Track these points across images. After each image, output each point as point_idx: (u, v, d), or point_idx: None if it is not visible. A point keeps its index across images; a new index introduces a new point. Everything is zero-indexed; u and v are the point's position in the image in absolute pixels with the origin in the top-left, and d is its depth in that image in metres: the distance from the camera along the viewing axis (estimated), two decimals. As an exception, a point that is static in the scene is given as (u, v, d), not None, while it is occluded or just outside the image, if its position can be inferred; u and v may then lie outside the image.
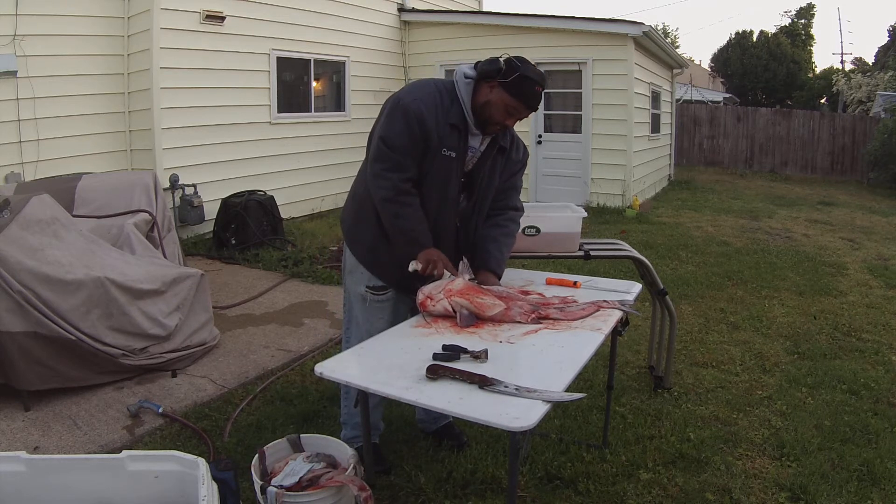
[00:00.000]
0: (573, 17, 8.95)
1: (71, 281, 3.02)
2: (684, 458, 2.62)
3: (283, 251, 6.02)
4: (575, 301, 2.27)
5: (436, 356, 1.81)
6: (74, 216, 3.66)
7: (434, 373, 1.69)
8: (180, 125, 6.34)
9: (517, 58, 2.16)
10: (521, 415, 1.49)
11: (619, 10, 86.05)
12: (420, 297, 2.13)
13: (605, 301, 2.27)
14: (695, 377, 3.46)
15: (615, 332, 2.40)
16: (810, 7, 33.41)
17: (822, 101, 28.63)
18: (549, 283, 2.56)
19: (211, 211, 6.38)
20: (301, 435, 2.12)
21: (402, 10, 9.61)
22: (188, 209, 6.27)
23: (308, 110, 8.12)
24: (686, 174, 14.21)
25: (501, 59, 2.15)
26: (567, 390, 1.64)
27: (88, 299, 3.07)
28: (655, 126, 10.94)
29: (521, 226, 2.63)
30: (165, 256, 3.88)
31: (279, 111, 7.59)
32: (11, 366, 2.83)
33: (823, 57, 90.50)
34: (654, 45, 9.68)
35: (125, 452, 1.83)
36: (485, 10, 11.76)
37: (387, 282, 2.35)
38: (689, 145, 16.64)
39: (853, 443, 2.78)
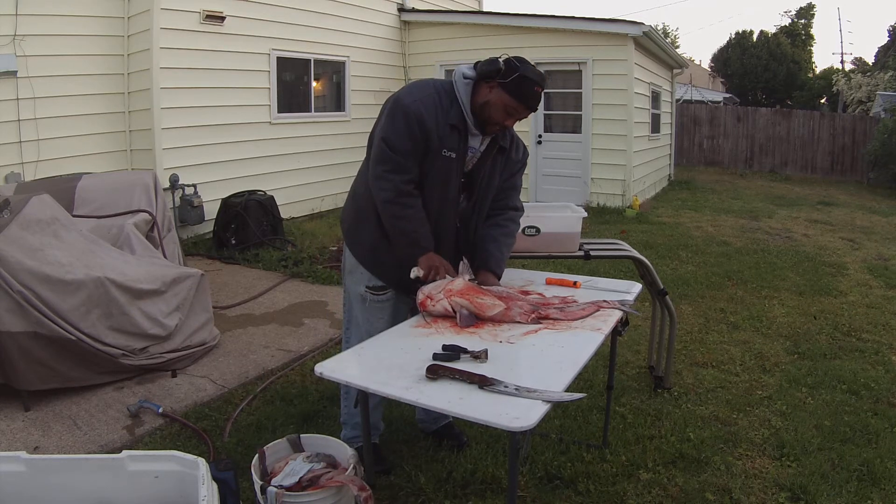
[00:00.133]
0: (573, 17, 8.95)
1: (71, 281, 3.02)
2: (684, 458, 2.62)
3: (283, 251, 6.02)
4: (575, 301, 2.27)
5: (436, 356, 1.81)
6: (74, 216, 3.66)
7: (434, 373, 1.69)
8: (180, 125, 6.34)
9: (516, 58, 2.16)
10: (521, 415, 1.49)
11: (619, 10, 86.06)
12: (420, 296, 2.13)
13: (605, 301, 2.27)
14: (695, 377, 3.46)
15: (615, 332, 2.40)
16: (810, 7, 33.42)
17: (822, 101, 28.63)
18: (549, 283, 2.56)
19: (211, 211, 6.38)
20: (301, 435, 2.12)
21: (402, 10, 9.61)
22: (188, 209, 6.27)
23: (308, 110, 8.12)
24: (686, 174, 14.21)
25: (501, 60, 2.15)
26: (567, 390, 1.64)
27: (88, 299, 3.07)
28: (655, 126, 10.94)
29: (521, 226, 2.63)
30: (165, 256, 3.88)
31: (279, 111, 7.59)
32: (11, 366, 2.83)
33: (823, 57, 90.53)
34: (654, 45, 9.69)
35: (125, 452, 1.84)
36: (485, 10, 11.76)
37: (386, 282, 2.35)
38: (689, 145, 16.64)
39: (853, 443, 2.78)
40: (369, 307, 2.38)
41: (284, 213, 6.81)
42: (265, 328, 4.17)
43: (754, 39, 30.18)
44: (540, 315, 2.12)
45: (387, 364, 1.80)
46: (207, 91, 6.63)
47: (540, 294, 2.34)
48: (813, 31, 33.94)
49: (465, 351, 1.82)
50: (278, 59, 7.52)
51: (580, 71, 8.87)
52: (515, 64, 2.13)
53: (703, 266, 5.92)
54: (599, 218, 8.08)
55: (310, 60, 8.00)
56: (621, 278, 2.94)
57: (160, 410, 2.93)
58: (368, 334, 2.26)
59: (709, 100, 22.29)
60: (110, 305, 3.15)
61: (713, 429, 2.89)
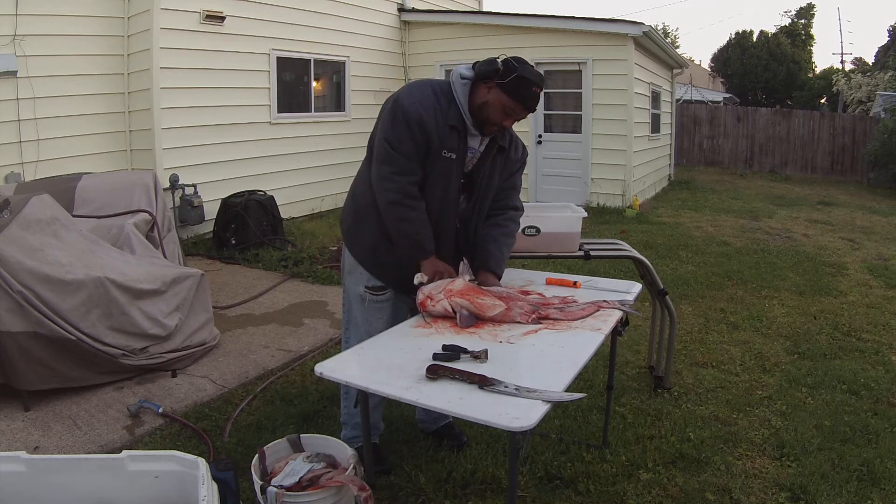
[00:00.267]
0: (573, 17, 8.95)
1: (71, 281, 3.02)
2: (684, 458, 2.62)
3: (283, 251, 6.02)
4: (575, 301, 2.27)
5: (436, 356, 1.81)
6: (74, 216, 3.66)
7: (434, 373, 1.69)
8: (180, 125, 6.34)
9: (515, 58, 2.16)
10: (521, 415, 1.49)
11: (619, 10, 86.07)
12: (420, 297, 2.12)
13: (605, 301, 2.27)
14: (695, 377, 3.46)
15: (615, 332, 2.40)
16: (810, 7, 33.42)
17: (822, 101, 28.63)
18: (549, 283, 2.56)
19: (211, 211, 6.38)
20: (301, 435, 2.12)
21: (402, 10, 9.61)
22: (188, 209, 6.27)
23: (308, 110, 8.12)
24: (686, 174, 14.21)
25: (499, 60, 2.15)
26: (567, 390, 1.64)
27: (88, 299, 3.07)
28: (655, 126, 10.94)
29: (521, 226, 2.63)
30: (165, 256, 3.88)
31: (279, 111, 7.59)
32: (11, 366, 2.83)
33: (823, 57, 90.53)
34: (654, 45, 9.69)
35: (125, 452, 1.84)
36: (485, 10, 11.76)
37: (386, 282, 2.35)
38: (689, 145, 16.64)
39: (853, 443, 2.78)
40: (368, 307, 2.38)
41: (284, 213, 6.81)
42: (265, 328, 4.17)
43: (754, 39, 30.18)
44: (540, 315, 2.12)
45: (387, 364, 1.80)
46: (207, 91, 6.63)
47: (540, 294, 2.34)
48: (813, 31, 33.98)
49: (465, 351, 1.82)
50: (278, 59, 7.52)
51: (580, 71, 8.87)
52: (513, 64, 2.12)
53: (703, 266, 5.92)
54: (599, 218, 8.08)
55: (310, 60, 8.00)
56: (621, 278, 2.94)
57: (160, 410, 2.93)
58: (368, 334, 2.26)
59: (709, 100, 22.29)
60: (110, 305, 3.15)
61: (713, 429, 2.89)
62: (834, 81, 25.43)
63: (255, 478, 1.90)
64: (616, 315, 2.19)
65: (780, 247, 6.88)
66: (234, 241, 6.08)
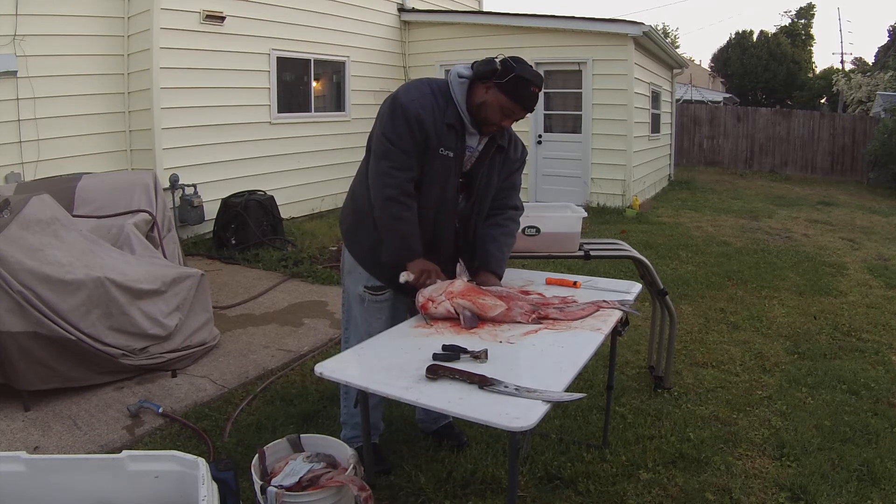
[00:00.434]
0: (573, 17, 8.95)
1: (71, 281, 3.02)
2: (684, 458, 2.62)
3: (283, 251, 6.02)
4: (575, 301, 2.27)
5: (435, 356, 1.81)
6: (74, 216, 3.66)
7: (434, 373, 1.69)
8: (180, 125, 6.34)
9: (513, 58, 2.15)
10: (521, 415, 1.49)
11: (619, 10, 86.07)
12: (420, 299, 2.11)
13: (604, 301, 2.27)
14: (695, 377, 3.46)
15: (615, 332, 2.40)
16: (810, 7, 33.42)
17: (822, 101, 28.63)
18: (549, 283, 2.56)
19: (211, 211, 6.38)
20: (301, 435, 2.12)
21: (402, 10, 9.61)
22: (188, 209, 6.27)
23: (308, 110, 8.12)
24: (686, 174, 14.21)
25: (497, 60, 2.14)
26: (567, 390, 1.64)
27: (88, 299, 3.07)
28: (655, 126, 10.94)
29: (521, 226, 2.63)
30: (165, 256, 3.88)
31: (279, 111, 7.59)
32: (11, 366, 2.83)
33: (823, 57, 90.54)
34: (654, 45, 9.68)
35: (125, 452, 1.84)
36: (485, 10, 11.76)
37: (385, 282, 2.35)
38: (689, 145, 16.64)
39: (853, 443, 2.78)
40: (368, 307, 2.38)
41: (284, 213, 6.81)
42: (265, 328, 4.17)
43: (754, 39, 30.17)
44: (540, 315, 2.12)
45: (387, 364, 1.80)
46: (207, 91, 6.63)
47: (540, 294, 2.34)
48: (813, 31, 33.96)
49: (465, 351, 1.82)
50: (278, 59, 7.51)
51: (580, 71, 8.87)
52: (512, 64, 2.12)
53: (703, 266, 5.92)
54: (599, 218, 8.08)
55: (310, 60, 8.00)
56: (621, 278, 2.94)
57: (160, 410, 2.93)
58: (367, 334, 2.26)
59: (709, 100, 22.29)
60: (110, 305, 3.15)
61: (713, 429, 2.89)
62: (834, 81, 25.42)
63: (255, 478, 1.90)
64: (616, 315, 2.19)
65: (780, 247, 6.88)
66: (234, 241, 6.08)
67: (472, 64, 2.19)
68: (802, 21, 33.46)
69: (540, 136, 9.29)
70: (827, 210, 9.92)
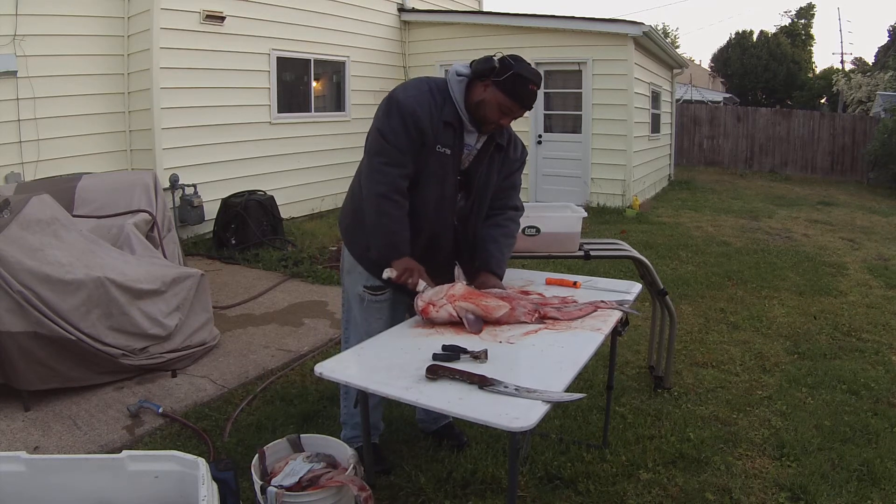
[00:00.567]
0: (573, 17, 8.95)
1: (71, 281, 3.02)
2: (684, 458, 2.62)
3: (283, 251, 6.02)
4: (574, 301, 2.27)
5: (435, 356, 1.81)
6: (74, 216, 3.66)
7: (434, 373, 1.69)
8: (180, 125, 6.34)
9: (511, 56, 2.15)
10: (520, 415, 1.49)
11: (619, 10, 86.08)
12: (420, 304, 2.07)
13: (602, 301, 2.27)
14: (695, 377, 3.46)
15: (615, 332, 2.39)
16: (810, 7, 33.42)
17: (822, 101, 28.63)
18: (549, 283, 2.56)
19: (211, 211, 6.38)
20: (301, 435, 2.12)
21: (402, 10, 9.61)
22: (188, 209, 6.27)
23: (308, 110, 8.12)
24: (686, 174, 14.21)
25: (495, 58, 2.14)
26: (567, 390, 1.64)
27: (88, 299, 3.07)
28: (655, 126, 10.94)
29: (521, 226, 2.62)
30: (165, 256, 3.88)
31: (279, 111, 7.59)
32: (11, 366, 2.83)
33: (823, 57, 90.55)
34: (654, 45, 9.68)
35: (125, 452, 1.84)
36: (485, 10, 11.76)
37: (385, 281, 2.34)
38: (689, 145, 16.64)
39: (853, 443, 2.78)
40: (367, 307, 2.38)
41: (284, 213, 6.81)
42: (265, 328, 4.17)
43: (754, 39, 30.17)
44: (542, 315, 2.12)
45: (387, 364, 1.80)
46: (207, 91, 6.63)
47: (540, 294, 2.34)
48: (813, 31, 33.96)
49: (464, 351, 1.82)
50: (278, 59, 7.52)
51: (580, 71, 8.87)
52: (510, 62, 2.11)
53: (703, 266, 5.92)
54: (599, 218, 8.08)
55: (310, 60, 8.00)
56: (621, 278, 2.94)
57: (160, 410, 2.93)
58: (367, 334, 2.26)
59: (709, 100, 22.29)
60: (110, 305, 3.15)
61: (713, 429, 2.89)
62: (834, 81, 25.42)
63: (255, 478, 1.90)
64: (616, 315, 2.19)
65: (780, 247, 6.88)
66: (234, 241, 6.08)
67: (471, 63, 2.19)
68: (802, 21, 33.47)
69: (540, 136, 9.29)
70: (827, 210, 9.92)
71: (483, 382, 1.64)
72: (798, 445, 2.72)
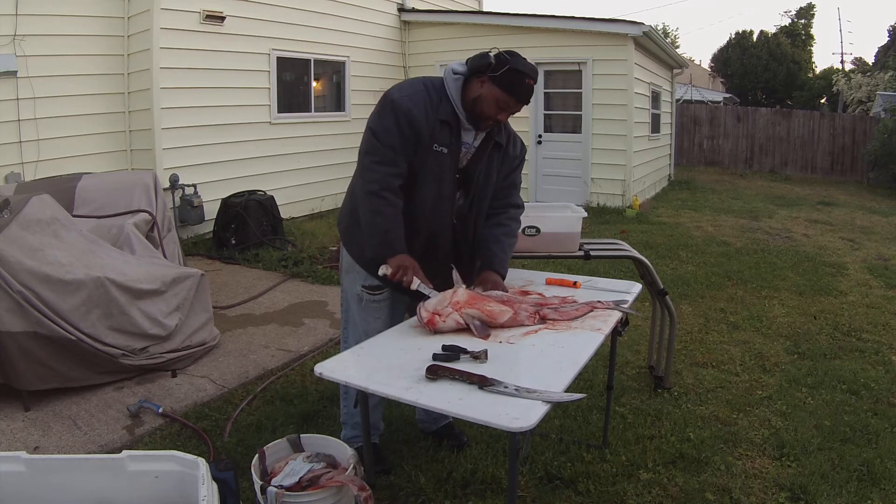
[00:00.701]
0: (573, 17, 8.95)
1: (71, 281, 3.02)
2: (684, 458, 2.62)
3: (283, 251, 6.02)
4: (574, 301, 2.27)
5: (435, 356, 1.81)
6: (74, 216, 3.66)
7: (434, 373, 1.69)
8: (180, 125, 6.34)
9: (507, 51, 2.14)
10: (520, 415, 1.49)
11: (619, 10, 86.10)
12: (425, 314, 2.03)
13: (599, 301, 2.26)
14: (695, 377, 3.46)
15: (615, 332, 2.39)
16: (810, 7, 33.42)
17: (822, 101, 28.62)
18: (549, 283, 2.56)
19: (211, 211, 6.38)
20: (301, 435, 2.12)
21: (402, 10, 9.61)
22: (188, 209, 6.27)
23: (308, 110, 8.12)
24: (686, 174, 14.21)
25: (491, 54, 2.14)
26: (567, 390, 1.64)
27: (88, 299, 3.07)
28: (655, 126, 10.94)
29: (522, 226, 2.62)
30: (165, 256, 3.88)
31: (279, 111, 7.59)
32: (11, 366, 2.83)
33: (823, 57, 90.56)
34: (654, 45, 9.69)
35: (125, 452, 1.84)
36: (485, 10, 11.76)
37: (383, 281, 2.34)
38: (689, 145, 16.64)
39: (853, 443, 2.78)
40: (366, 307, 2.38)
41: (284, 213, 6.81)
42: (265, 328, 4.17)
43: (754, 39, 30.17)
44: (542, 315, 2.12)
45: (386, 364, 1.80)
46: (207, 91, 6.63)
47: (540, 294, 2.34)
48: (813, 31, 33.98)
49: (464, 351, 1.82)
50: (278, 59, 7.52)
51: (580, 71, 8.86)
52: (506, 57, 2.11)
53: (703, 266, 5.92)
54: (599, 218, 8.08)
55: (310, 60, 8.00)
56: (621, 278, 2.94)
57: (160, 410, 2.93)
58: (366, 334, 2.26)
59: (709, 100, 22.28)
60: (110, 305, 3.15)
61: (713, 429, 2.89)
62: (834, 81, 25.42)
63: (255, 478, 1.90)
64: (616, 315, 2.19)
65: (780, 247, 6.88)
66: (234, 241, 6.08)
67: (467, 60, 2.19)
68: (802, 21, 33.47)
69: (540, 136, 9.29)
70: (827, 210, 9.92)
71: (483, 382, 1.64)
72: (798, 445, 2.72)
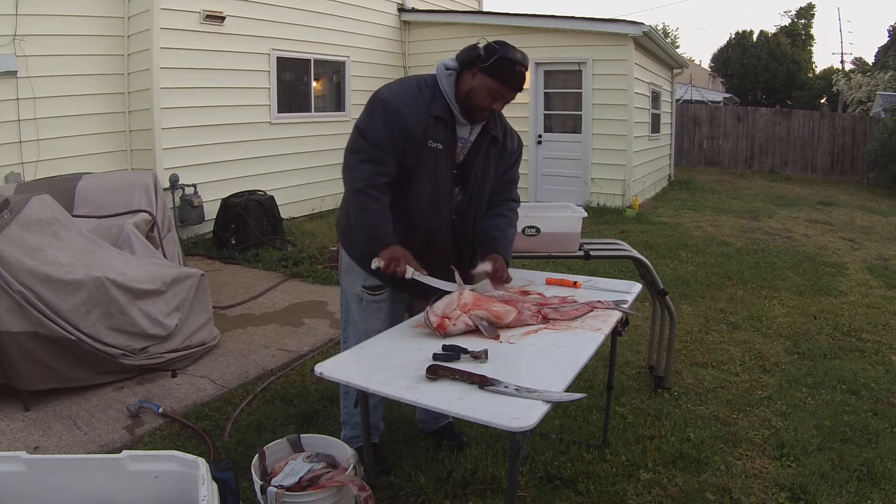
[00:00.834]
0: (573, 17, 8.95)
1: (71, 281, 3.02)
2: (684, 458, 2.62)
3: (283, 251, 6.02)
4: (574, 301, 2.27)
5: (436, 356, 1.81)
6: (74, 216, 3.66)
7: (434, 373, 1.69)
8: (180, 125, 6.34)
9: (496, 41, 2.14)
10: (520, 415, 1.49)
11: (619, 10, 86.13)
12: (434, 319, 2.02)
13: (599, 301, 2.26)
14: (695, 377, 3.46)
15: (615, 332, 2.39)
16: (810, 7, 33.42)
17: (822, 101, 28.62)
18: (549, 283, 2.56)
19: (211, 211, 6.38)
20: (301, 435, 2.12)
21: (402, 10, 9.61)
22: (188, 209, 6.27)
23: (308, 110, 8.12)
24: (686, 174, 14.21)
25: (480, 45, 2.14)
26: (567, 390, 1.64)
27: (88, 299, 3.07)
28: (655, 126, 10.94)
29: (521, 226, 2.62)
30: (165, 256, 3.88)
31: (279, 111, 7.59)
32: (11, 366, 2.83)
33: (823, 57, 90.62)
34: (654, 45, 9.69)
35: (125, 452, 1.84)
36: (485, 10, 11.76)
37: (383, 281, 2.34)
38: (689, 145, 16.64)
39: (853, 443, 2.77)
40: (366, 307, 2.37)
41: (284, 213, 6.81)
42: (265, 328, 4.17)
43: (754, 39, 30.17)
44: (542, 315, 2.12)
45: (386, 364, 1.80)
46: (207, 91, 6.63)
47: (540, 294, 2.34)
48: (813, 31, 33.99)
49: (465, 351, 1.82)
50: (278, 59, 7.52)
51: (580, 71, 8.86)
52: (495, 47, 2.11)
53: (703, 266, 5.92)
54: (599, 218, 8.08)
55: (310, 60, 8.00)
56: (621, 278, 2.94)
57: (160, 410, 2.93)
58: (366, 335, 2.25)
59: (709, 100, 22.28)
60: (110, 305, 3.15)
61: (713, 429, 2.89)
62: (834, 81, 25.42)
63: (255, 478, 1.90)
64: (616, 315, 2.19)
65: (780, 247, 6.88)
66: (234, 241, 6.08)
67: (457, 54, 2.19)
68: (802, 21, 33.47)
69: (540, 136, 9.29)
70: (827, 210, 9.92)
71: (483, 382, 1.64)
72: (798, 445, 2.72)
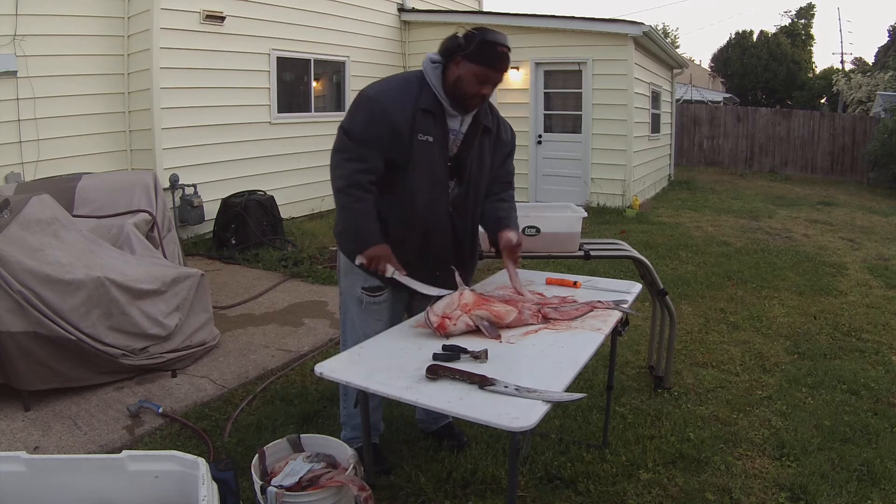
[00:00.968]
0: (573, 17, 8.95)
1: (71, 281, 3.02)
2: (684, 458, 2.62)
3: (283, 251, 6.02)
4: (574, 300, 2.27)
5: (436, 356, 1.81)
6: (74, 216, 3.66)
7: (434, 373, 1.69)
8: (180, 125, 6.34)
9: (475, 28, 2.16)
10: (520, 415, 1.49)
11: (619, 10, 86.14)
12: (434, 319, 2.02)
13: (599, 301, 2.26)
14: (695, 377, 3.46)
15: (615, 332, 2.39)
16: (810, 7, 33.42)
17: (822, 101, 28.62)
18: (549, 283, 2.56)
19: (211, 211, 6.38)
20: (301, 435, 2.12)
21: (402, 10, 9.61)
22: (188, 209, 6.27)
23: (308, 110, 8.12)
24: (686, 174, 14.21)
25: (459, 35, 2.15)
26: (567, 390, 1.64)
27: (88, 299, 3.07)
28: (655, 126, 10.94)
29: (521, 226, 2.62)
30: (165, 256, 3.88)
31: (279, 111, 7.59)
32: (11, 366, 2.83)
33: (823, 57, 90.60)
34: (654, 45, 9.69)
35: (125, 452, 1.84)
36: (485, 10, 11.76)
37: (383, 281, 2.33)
38: (689, 145, 16.64)
39: (853, 443, 2.77)
40: (366, 309, 2.36)
41: (284, 213, 6.81)
42: (265, 328, 4.17)
43: (754, 39, 30.16)
44: (544, 314, 2.12)
45: (386, 364, 1.80)
46: (207, 91, 6.63)
47: (540, 294, 2.34)
48: (813, 31, 33.96)
49: (465, 351, 1.82)
50: (278, 59, 7.52)
51: (580, 71, 8.86)
52: (474, 33, 2.12)
53: (703, 266, 5.92)
54: (599, 218, 8.08)
55: (310, 60, 8.00)
56: (621, 278, 2.94)
57: (160, 410, 2.93)
58: (365, 336, 2.23)
59: (709, 100, 22.28)
60: (110, 305, 3.15)
61: (713, 429, 2.89)
62: (834, 81, 25.42)
63: (255, 478, 1.90)
64: (616, 315, 2.19)
65: (780, 247, 6.88)
66: (234, 241, 6.08)
67: (440, 47, 2.20)
68: (802, 21, 33.47)
69: (540, 136, 9.29)
70: (827, 210, 9.92)
71: (483, 382, 1.64)
72: (798, 445, 2.72)
